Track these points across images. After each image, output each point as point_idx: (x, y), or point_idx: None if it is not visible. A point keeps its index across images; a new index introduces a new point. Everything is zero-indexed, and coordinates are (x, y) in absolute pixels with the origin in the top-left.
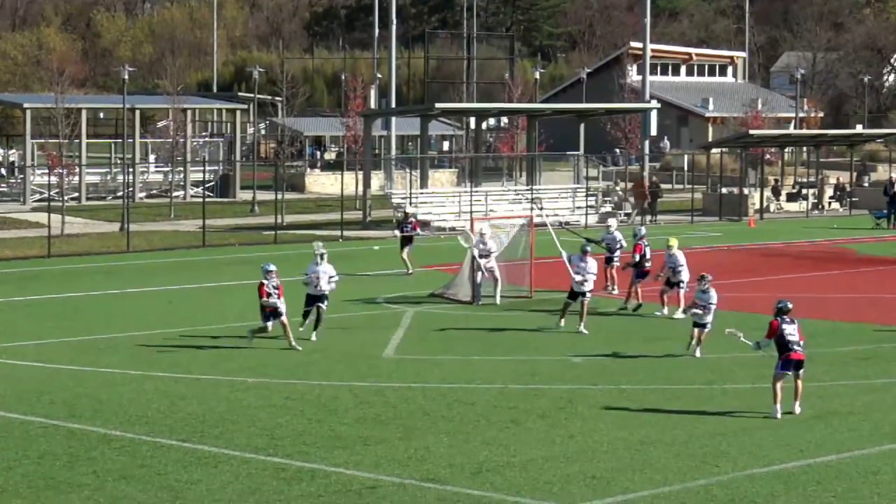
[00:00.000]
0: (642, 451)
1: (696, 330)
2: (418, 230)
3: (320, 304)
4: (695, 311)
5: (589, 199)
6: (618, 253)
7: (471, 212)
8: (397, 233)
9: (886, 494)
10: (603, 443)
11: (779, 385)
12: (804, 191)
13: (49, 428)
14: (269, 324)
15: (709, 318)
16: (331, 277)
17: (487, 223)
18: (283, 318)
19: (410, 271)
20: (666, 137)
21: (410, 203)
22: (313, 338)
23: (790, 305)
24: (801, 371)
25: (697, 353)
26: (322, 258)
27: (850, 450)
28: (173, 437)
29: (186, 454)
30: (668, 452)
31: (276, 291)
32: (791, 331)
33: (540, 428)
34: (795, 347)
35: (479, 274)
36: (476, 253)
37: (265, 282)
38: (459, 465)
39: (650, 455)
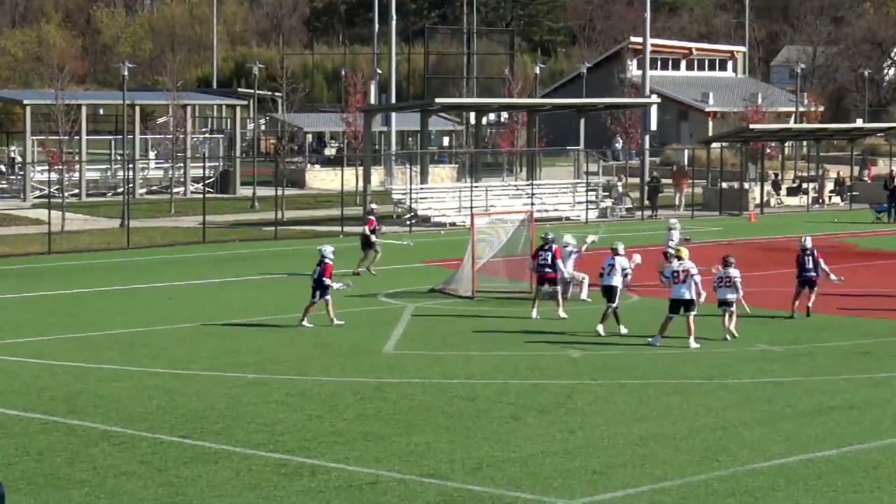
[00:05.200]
0: (642, 446)
1: (723, 311)
2: (373, 227)
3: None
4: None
5: (589, 194)
6: None
7: (471, 207)
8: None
9: (887, 489)
10: (603, 438)
11: None
12: (804, 185)
13: (49, 424)
14: (321, 300)
15: (732, 296)
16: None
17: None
18: (329, 296)
19: (358, 271)
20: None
21: (411, 199)
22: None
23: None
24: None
25: (731, 334)
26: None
27: (850, 444)
28: (174, 434)
29: (187, 450)
30: (668, 447)
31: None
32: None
33: (540, 423)
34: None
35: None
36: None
37: (330, 262)
38: (460, 461)
39: (650, 450)
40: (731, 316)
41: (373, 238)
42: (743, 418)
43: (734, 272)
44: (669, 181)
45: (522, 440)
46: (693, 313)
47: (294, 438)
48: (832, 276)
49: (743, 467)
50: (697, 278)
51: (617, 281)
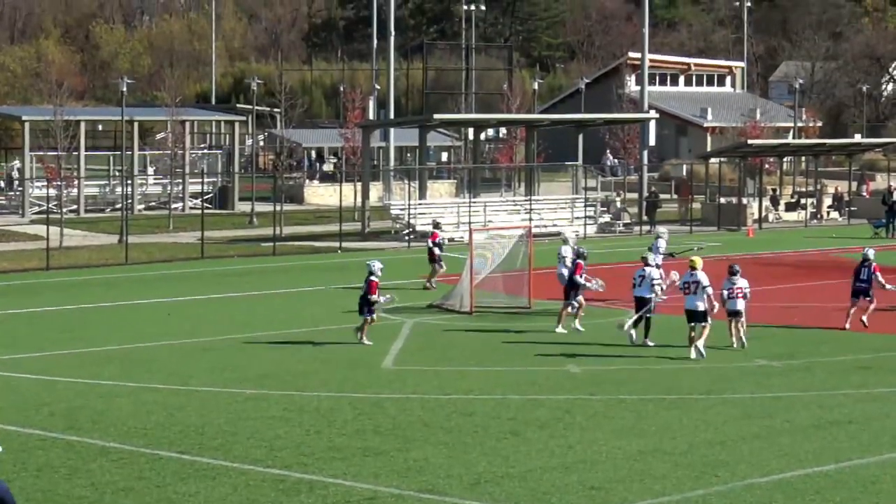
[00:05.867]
0: (641, 460)
1: (729, 321)
2: (437, 240)
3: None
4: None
5: (588, 209)
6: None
7: (469, 222)
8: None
9: None
10: (601, 453)
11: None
12: (803, 200)
13: (48, 440)
14: (371, 316)
15: (740, 306)
16: None
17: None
18: (374, 314)
19: (428, 286)
20: (608, 151)
21: (410, 214)
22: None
23: None
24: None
25: (740, 342)
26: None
27: (849, 459)
28: (172, 449)
29: (185, 466)
30: (666, 462)
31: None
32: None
33: (538, 438)
34: None
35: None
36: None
37: (376, 279)
38: (458, 476)
39: (649, 465)
40: (738, 325)
41: (437, 252)
42: (741, 433)
43: (742, 282)
44: (668, 196)
45: (521, 455)
46: (704, 324)
47: (292, 454)
48: (888, 286)
49: (741, 482)
50: (709, 290)
51: (648, 293)
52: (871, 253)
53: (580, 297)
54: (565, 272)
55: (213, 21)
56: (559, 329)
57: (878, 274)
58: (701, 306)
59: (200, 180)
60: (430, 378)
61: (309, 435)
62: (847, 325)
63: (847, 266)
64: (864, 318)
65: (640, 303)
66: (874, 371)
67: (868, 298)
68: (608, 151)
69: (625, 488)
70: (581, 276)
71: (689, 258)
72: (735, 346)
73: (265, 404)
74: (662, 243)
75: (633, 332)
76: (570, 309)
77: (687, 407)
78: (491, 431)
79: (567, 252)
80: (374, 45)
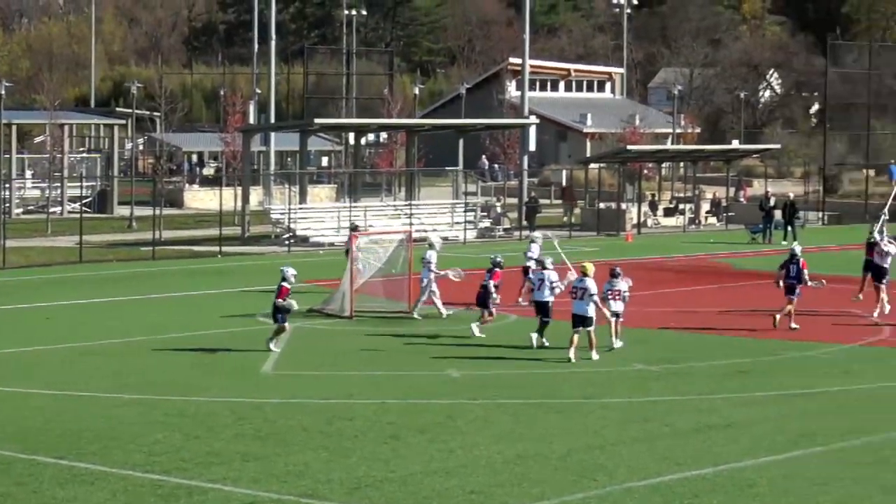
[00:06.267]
0: (520, 465)
1: (612, 320)
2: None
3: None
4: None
5: (468, 214)
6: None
7: (350, 227)
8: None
9: None
10: (482, 457)
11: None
12: (681, 206)
13: None
14: (287, 324)
15: (618, 308)
16: None
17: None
18: (286, 323)
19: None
20: (483, 156)
21: (290, 219)
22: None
23: None
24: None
25: (616, 344)
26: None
27: (727, 462)
28: (50, 455)
29: (63, 471)
30: (546, 466)
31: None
32: None
33: (419, 443)
34: None
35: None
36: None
37: (287, 285)
38: (338, 481)
39: (529, 469)
40: (617, 325)
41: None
42: (620, 437)
43: (622, 284)
44: (548, 201)
45: (401, 460)
46: (592, 329)
47: (171, 459)
48: (811, 283)
49: (620, 486)
50: (596, 298)
51: (548, 296)
52: (797, 249)
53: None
54: (432, 276)
55: (92, 24)
56: (475, 331)
57: (805, 271)
58: (588, 312)
59: (79, 184)
60: (310, 383)
61: (188, 440)
62: (776, 325)
63: (724, 271)
64: (779, 316)
65: (540, 307)
66: (752, 375)
67: (792, 296)
68: (483, 156)
69: (504, 492)
70: (494, 284)
71: (582, 265)
72: (615, 347)
73: (144, 409)
74: (535, 248)
75: (534, 336)
76: (486, 314)
77: (566, 411)
78: (371, 436)
79: (432, 257)
80: (255, 49)
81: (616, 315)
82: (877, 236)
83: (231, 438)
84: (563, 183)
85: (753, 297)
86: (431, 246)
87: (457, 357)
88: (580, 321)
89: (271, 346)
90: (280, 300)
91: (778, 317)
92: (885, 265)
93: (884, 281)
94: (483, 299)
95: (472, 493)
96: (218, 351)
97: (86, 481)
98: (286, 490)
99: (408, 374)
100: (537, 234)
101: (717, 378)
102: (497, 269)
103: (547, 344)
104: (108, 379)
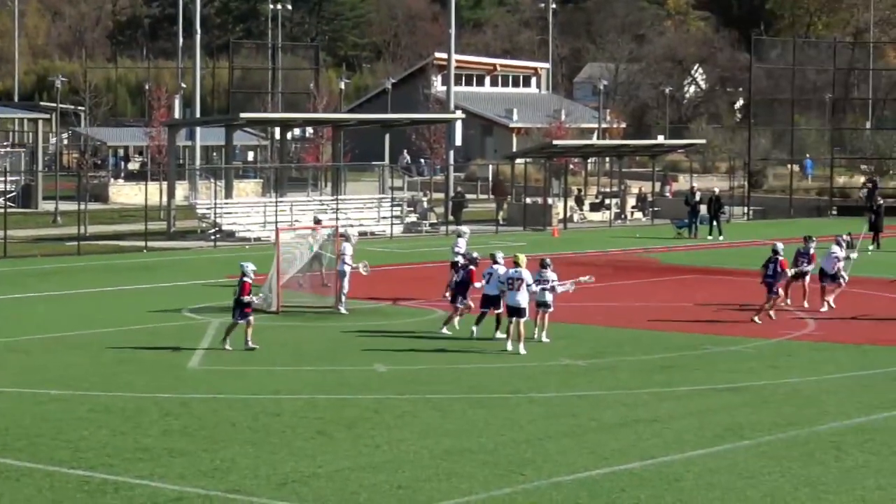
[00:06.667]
0: (448, 460)
1: (539, 311)
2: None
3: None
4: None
5: (394, 209)
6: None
7: (276, 222)
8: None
9: (689, 501)
10: (409, 452)
11: None
12: (607, 200)
13: None
14: (243, 321)
15: (548, 298)
16: None
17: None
18: (251, 318)
19: None
20: (405, 151)
21: (216, 214)
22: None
23: None
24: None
25: (544, 339)
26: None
27: (653, 457)
28: None
29: None
30: (474, 461)
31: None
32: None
33: (346, 438)
34: None
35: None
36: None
37: (249, 280)
38: (265, 477)
39: (456, 464)
40: (545, 316)
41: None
42: (547, 431)
43: (551, 275)
44: (474, 196)
45: (329, 455)
46: (524, 320)
47: (97, 455)
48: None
49: (547, 480)
50: (533, 287)
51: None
52: (780, 246)
53: (468, 301)
54: (347, 269)
55: (15, 18)
56: (475, 331)
57: (787, 271)
58: (522, 302)
59: (3, 179)
60: (236, 378)
61: (115, 436)
62: (758, 319)
63: (651, 266)
64: (772, 312)
65: (487, 300)
66: (678, 370)
67: (771, 294)
68: (405, 151)
69: (432, 487)
70: (479, 282)
71: (514, 255)
72: (535, 337)
73: (70, 405)
74: (462, 242)
75: (475, 328)
76: (457, 311)
77: (493, 406)
78: (298, 431)
79: (348, 250)
80: (180, 44)
81: (545, 305)
82: (843, 254)
83: (158, 434)
84: (490, 178)
85: (679, 291)
86: (347, 239)
87: (383, 350)
88: (514, 312)
89: (226, 346)
90: (245, 297)
91: (756, 318)
92: (831, 270)
93: (832, 281)
94: (454, 296)
95: (400, 489)
96: (144, 347)
97: (11, 477)
98: (213, 486)
99: (334, 370)
100: (464, 228)
101: (644, 372)
102: (472, 267)
103: (477, 334)
104: (32, 374)
